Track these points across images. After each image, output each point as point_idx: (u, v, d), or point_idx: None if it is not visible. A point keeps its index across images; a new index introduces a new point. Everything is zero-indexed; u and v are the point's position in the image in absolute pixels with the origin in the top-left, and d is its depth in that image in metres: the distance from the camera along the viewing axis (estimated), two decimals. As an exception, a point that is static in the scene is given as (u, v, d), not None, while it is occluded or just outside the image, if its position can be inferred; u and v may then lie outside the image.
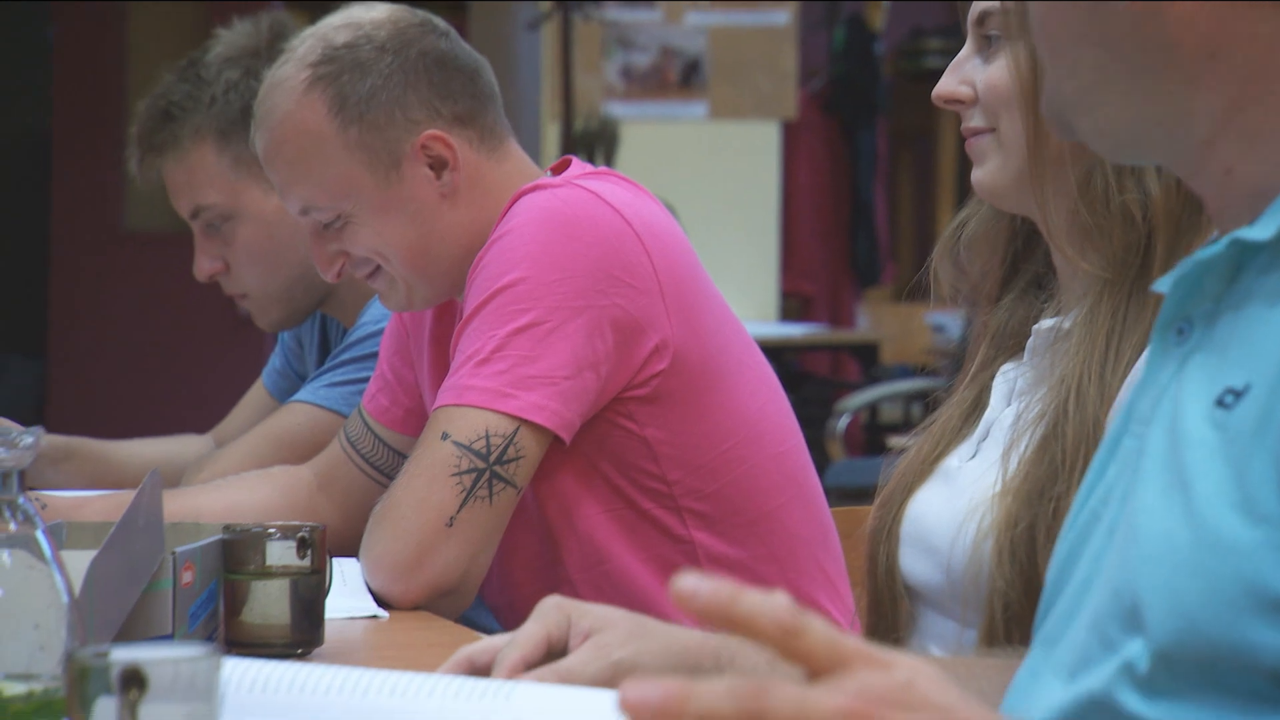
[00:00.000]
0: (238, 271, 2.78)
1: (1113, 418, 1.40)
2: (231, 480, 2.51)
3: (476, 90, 2.32)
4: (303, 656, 1.85)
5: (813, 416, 6.02)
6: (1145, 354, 1.30)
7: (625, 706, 0.96)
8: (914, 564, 1.90)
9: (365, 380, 2.59)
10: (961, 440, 1.92)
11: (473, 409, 2.16)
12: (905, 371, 7.77)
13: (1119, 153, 1.32)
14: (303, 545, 1.87)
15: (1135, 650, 1.19)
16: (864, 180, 8.78)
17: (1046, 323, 1.86)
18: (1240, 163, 1.24)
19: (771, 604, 0.99)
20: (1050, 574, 1.34)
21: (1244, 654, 1.15)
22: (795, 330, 8.03)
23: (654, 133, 7.88)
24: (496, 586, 2.31)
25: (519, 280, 2.19)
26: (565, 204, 2.23)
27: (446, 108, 2.30)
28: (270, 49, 2.67)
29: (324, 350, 2.91)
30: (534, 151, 2.38)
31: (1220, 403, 1.20)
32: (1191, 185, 1.29)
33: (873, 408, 7.21)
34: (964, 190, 8.09)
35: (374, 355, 2.60)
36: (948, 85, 1.86)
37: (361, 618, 2.09)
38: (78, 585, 1.50)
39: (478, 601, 2.28)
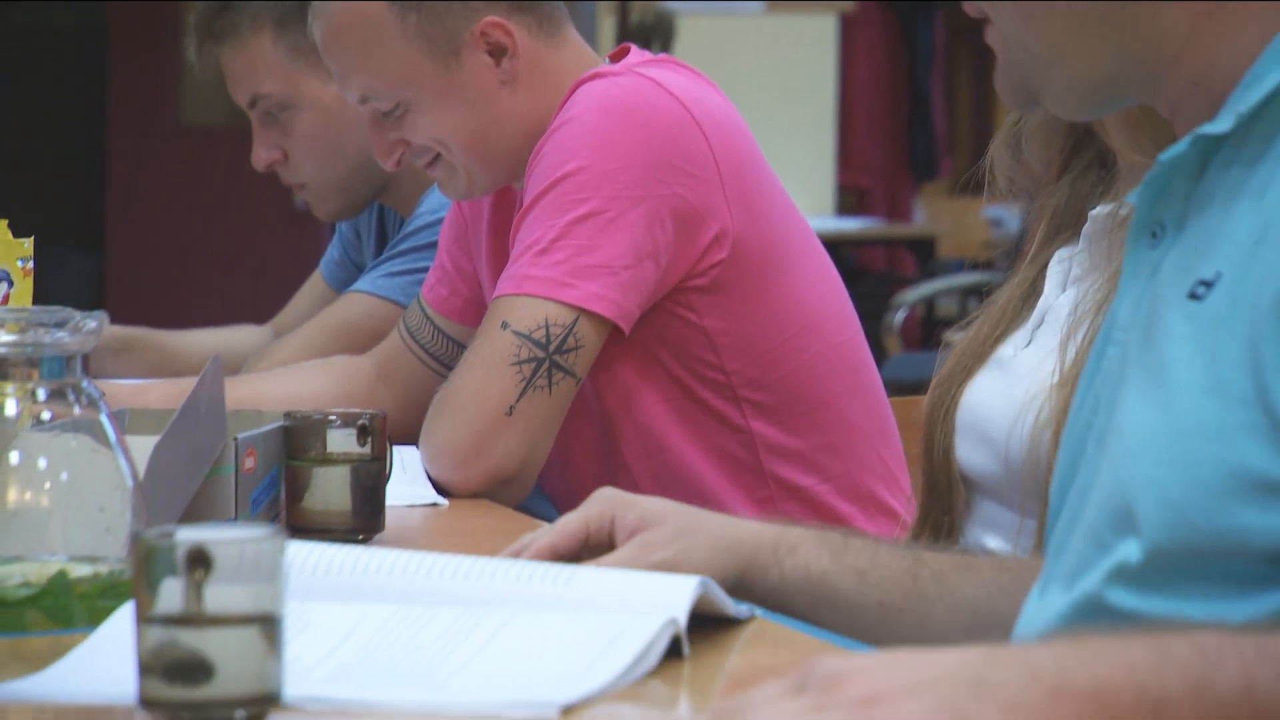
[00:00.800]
0: (296, 161, 2.78)
1: None
2: (291, 369, 2.51)
3: (534, -23, 2.31)
4: (364, 543, 1.86)
5: (869, 311, 5.99)
6: (1122, 264, 1.31)
7: None
8: (970, 453, 1.89)
9: (423, 270, 2.59)
10: (1019, 324, 1.91)
11: (532, 298, 2.16)
12: (962, 266, 7.74)
13: (1085, 106, 1.34)
14: (363, 432, 1.88)
15: (1128, 549, 1.20)
16: (922, 73, 8.72)
17: (1103, 209, 1.85)
18: (1205, 70, 1.26)
19: None
20: (1052, 488, 1.35)
21: (1233, 539, 1.16)
22: (851, 224, 8.00)
23: (711, 26, 7.84)
24: (555, 476, 2.32)
25: (579, 169, 2.18)
26: (625, 92, 2.22)
27: (504, -6, 2.28)
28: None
29: (381, 240, 2.91)
30: (590, 45, 2.38)
31: (1192, 295, 1.21)
32: (1153, 103, 1.30)
33: (929, 302, 7.19)
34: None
35: (432, 245, 2.60)
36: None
37: (421, 505, 2.10)
38: (141, 470, 1.51)
39: (537, 491, 2.28)
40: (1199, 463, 1.17)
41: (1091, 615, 1.22)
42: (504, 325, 2.16)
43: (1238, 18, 1.25)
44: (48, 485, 1.45)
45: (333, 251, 3.02)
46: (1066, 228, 1.92)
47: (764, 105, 7.66)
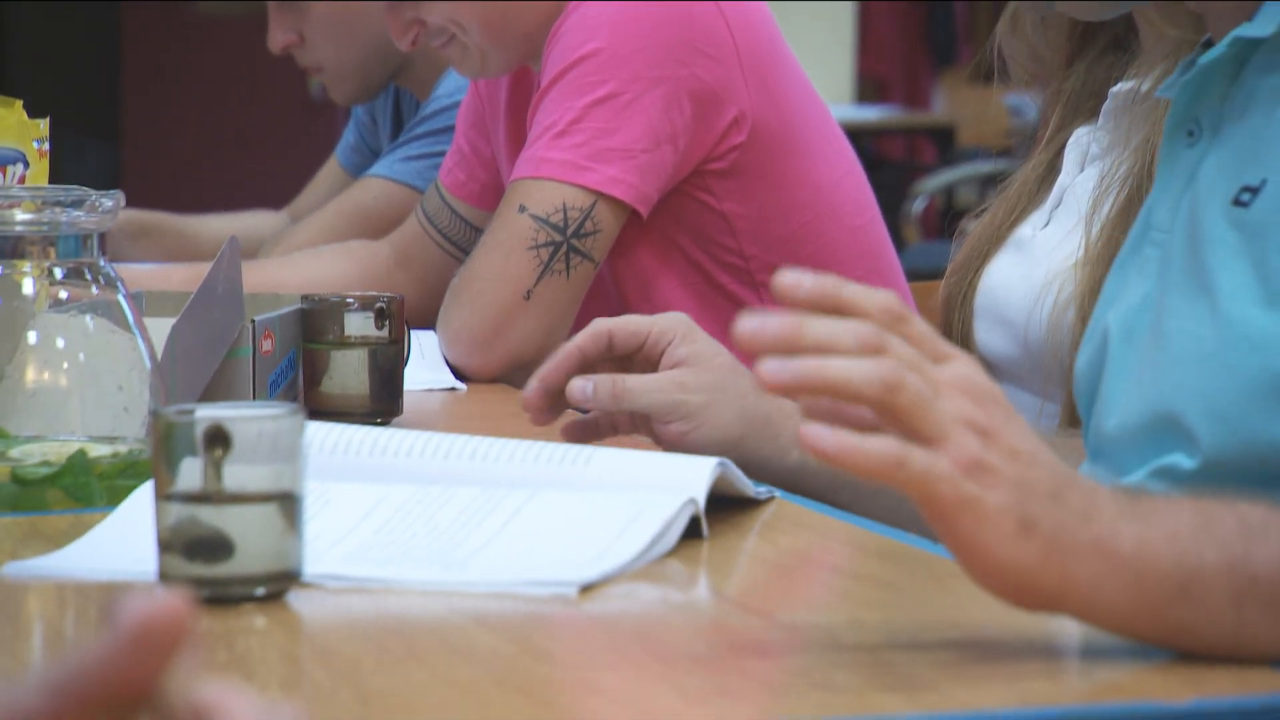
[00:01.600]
0: (313, 43, 2.76)
1: None
2: (309, 254, 2.51)
3: None
4: (382, 425, 1.86)
5: (888, 201, 5.97)
6: (1158, 161, 1.30)
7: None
8: (989, 336, 1.89)
9: (440, 153, 2.58)
10: (1036, 206, 1.90)
11: (550, 181, 2.15)
12: (982, 154, 7.71)
13: (1104, 3, 1.32)
14: (380, 316, 1.87)
15: (1177, 458, 1.19)
16: (942, -43, 8.65)
17: (1125, 85, 1.84)
18: None
19: (879, 293, 1.00)
20: (1077, 387, 1.34)
21: None
22: (871, 113, 7.96)
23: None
24: (573, 360, 2.31)
25: (597, 51, 2.17)
26: (643, -27, 2.20)
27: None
28: None
29: (398, 124, 2.90)
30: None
31: (1237, 201, 1.20)
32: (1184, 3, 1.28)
33: (949, 191, 7.16)
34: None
35: (449, 129, 2.59)
36: None
37: (439, 390, 2.10)
38: (159, 351, 1.50)
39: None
40: (1248, 373, 1.16)
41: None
42: (521, 209, 2.15)
43: None
44: (65, 365, 1.45)
45: (349, 136, 3.01)
46: (1083, 111, 1.91)
47: (783, -8, 7.61)
